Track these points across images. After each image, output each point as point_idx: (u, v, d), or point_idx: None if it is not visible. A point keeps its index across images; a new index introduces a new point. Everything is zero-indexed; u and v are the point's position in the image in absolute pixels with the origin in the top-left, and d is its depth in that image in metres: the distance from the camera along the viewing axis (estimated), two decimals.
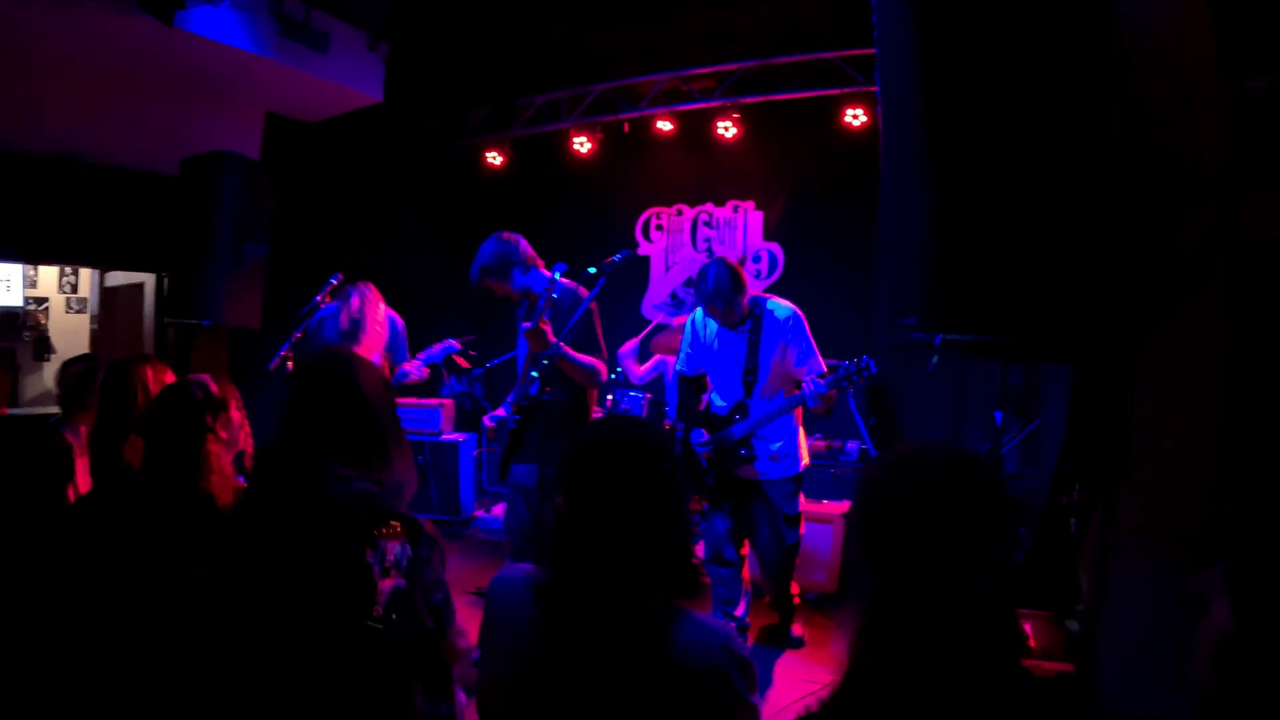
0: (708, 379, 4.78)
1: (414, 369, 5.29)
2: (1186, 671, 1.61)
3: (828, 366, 4.37)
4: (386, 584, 1.92)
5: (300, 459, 2.12)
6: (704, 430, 4.58)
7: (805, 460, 4.63)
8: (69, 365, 3.86)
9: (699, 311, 4.69)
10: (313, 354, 2.35)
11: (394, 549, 1.93)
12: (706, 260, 4.66)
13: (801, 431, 4.62)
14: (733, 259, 4.43)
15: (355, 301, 4.98)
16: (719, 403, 4.64)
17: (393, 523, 1.94)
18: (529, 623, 1.74)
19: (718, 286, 4.25)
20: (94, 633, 2.16)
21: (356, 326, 4.95)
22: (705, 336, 4.63)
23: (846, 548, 5.42)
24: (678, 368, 4.86)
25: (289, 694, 1.95)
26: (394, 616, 1.91)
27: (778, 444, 4.49)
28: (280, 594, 2.00)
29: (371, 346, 4.96)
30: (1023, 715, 1.34)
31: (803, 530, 4.73)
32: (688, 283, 8.83)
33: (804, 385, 4.24)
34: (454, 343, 5.47)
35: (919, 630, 1.35)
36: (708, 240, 8.80)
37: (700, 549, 4.68)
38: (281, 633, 1.98)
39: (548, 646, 1.70)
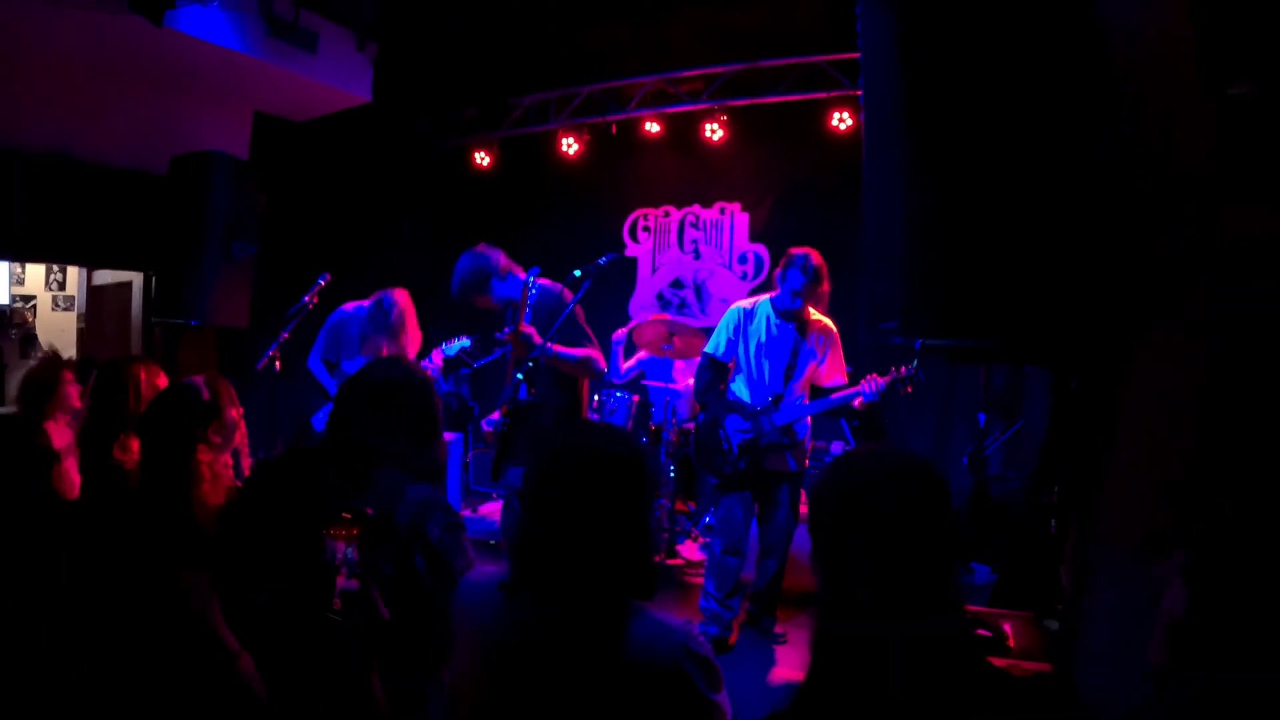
0: (734, 367, 4.95)
1: (434, 361, 5.44)
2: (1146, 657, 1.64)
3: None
4: (339, 580, 1.96)
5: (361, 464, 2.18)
6: (739, 417, 4.77)
7: (807, 459, 4.91)
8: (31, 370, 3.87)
9: (744, 303, 4.92)
10: (376, 368, 2.44)
11: (341, 549, 1.97)
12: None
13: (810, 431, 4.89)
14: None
15: (395, 313, 5.18)
16: (746, 395, 4.82)
17: (344, 515, 1.98)
18: (493, 620, 1.76)
19: (818, 271, 4.57)
20: (90, 632, 2.19)
21: (397, 333, 5.16)
22: (754, 326, 4.82)
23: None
24: (708, 350, 4.98)
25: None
26: (350, 611, 1.96)
27: (801, 438, 4.77)
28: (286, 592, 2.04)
29: (410, 346, 5.18)
30: (989, 713, 1.37)
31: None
32: (674, 284, 8.85)
33: (861, 385, 4.53)
34: (466, 337, 5.57)
35: (867, 631, 1.38)
36: (694, 242, 8.82)
37: (683, 549, 4.76)
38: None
39: (510, 643, 1.72)
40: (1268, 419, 2.21)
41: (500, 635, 1.74)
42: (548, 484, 1.75)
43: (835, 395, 4.68)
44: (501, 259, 4.51)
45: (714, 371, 4.97)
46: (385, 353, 5.26)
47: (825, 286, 4.61)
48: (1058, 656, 3.01)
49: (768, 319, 4.78)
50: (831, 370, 4.77)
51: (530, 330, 4.08)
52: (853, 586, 1.41)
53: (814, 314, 4.75)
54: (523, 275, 4.39)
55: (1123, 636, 2.48)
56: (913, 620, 1.36)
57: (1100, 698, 2.50)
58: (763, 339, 4.77)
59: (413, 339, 5.25)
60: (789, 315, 4.69)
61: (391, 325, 5.14)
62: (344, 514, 1.98)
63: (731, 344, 4.88)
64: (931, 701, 1.34)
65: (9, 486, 2.86)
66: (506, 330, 4.15)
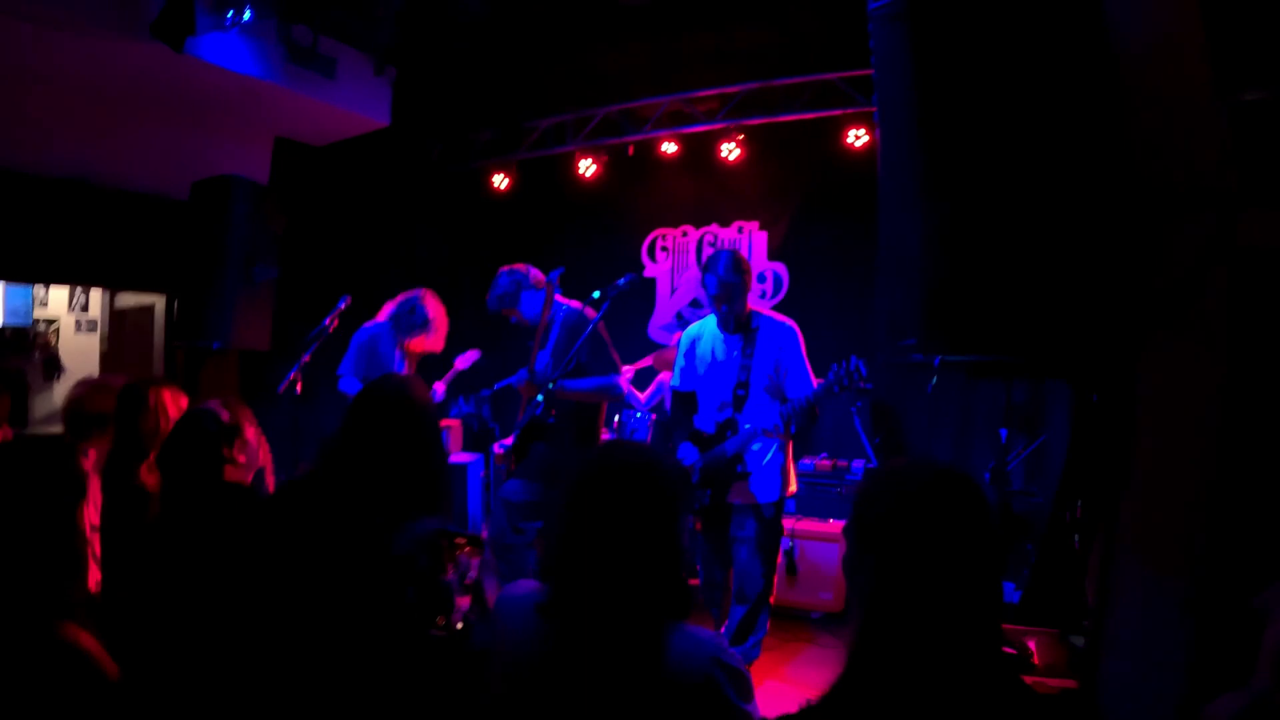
0: (697, 397, 4.66)
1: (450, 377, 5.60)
2: (1251, 679, 1.63)
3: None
4: (465, 601, 2.01)
5: (365, 500, 2.18)
6: (695, 448, 4.48)
7: (792, 486, 4.51)
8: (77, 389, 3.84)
9: (694, 326, 4.68)
10: (380, 388, 2.42)
11: (475, 564, 2.01)
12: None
13: (790, 455, 4.48)
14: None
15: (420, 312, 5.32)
16: (706, 421, 4.53)
17: (458, 540, 2.01)
18: (531, 638, 1.78)
19: (727, 273, 4.20)
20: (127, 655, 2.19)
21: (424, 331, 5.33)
22: (700, 349, 4.54)
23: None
24: (671, 383, 4.75)
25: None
26: (471, 620, 2.01)
27: (765, 461, 4.36)
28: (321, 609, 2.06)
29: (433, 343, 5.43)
30: None
31: (780, 560, 4.65)
32: (693, 304, 8.85)
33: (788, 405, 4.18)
34: (476, 352, 5.70)
35: (905, 639, 1.38)
36: None
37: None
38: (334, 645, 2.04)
39: (548, 661, 1.74)
40: None
41: (539, 654, 1.76)
42: (585, 502, 1.77)
43: (775, 418, 4.22)
44: (535, 274, 4.61)
45: (680, 404, 4.70)
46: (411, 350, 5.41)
47: (749, 275, 4.28)
48: (1083, 673, 2.99)
49: (714, 338, 4.49)
50: (794, 378, 4.29)
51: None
52: (893, 598, 1.41)
53: (766, 316, 4.40)
54: (560, 299, 4.48)
55: (1146, 651, 2.45)
56: (952, 634, 1.37)
57: (1123, 712, 2.48)
58: (709, 359, 4.49)
59: (437, 336, 5.42)
60: (730, 325, 4.36)
61: (418, 324, 5.30)
62: (458, 539, 2.03)
63: (685, 372, 4.62)
64: (961, 716, 1.34)
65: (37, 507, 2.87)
66: (520, 375, 4.23)
